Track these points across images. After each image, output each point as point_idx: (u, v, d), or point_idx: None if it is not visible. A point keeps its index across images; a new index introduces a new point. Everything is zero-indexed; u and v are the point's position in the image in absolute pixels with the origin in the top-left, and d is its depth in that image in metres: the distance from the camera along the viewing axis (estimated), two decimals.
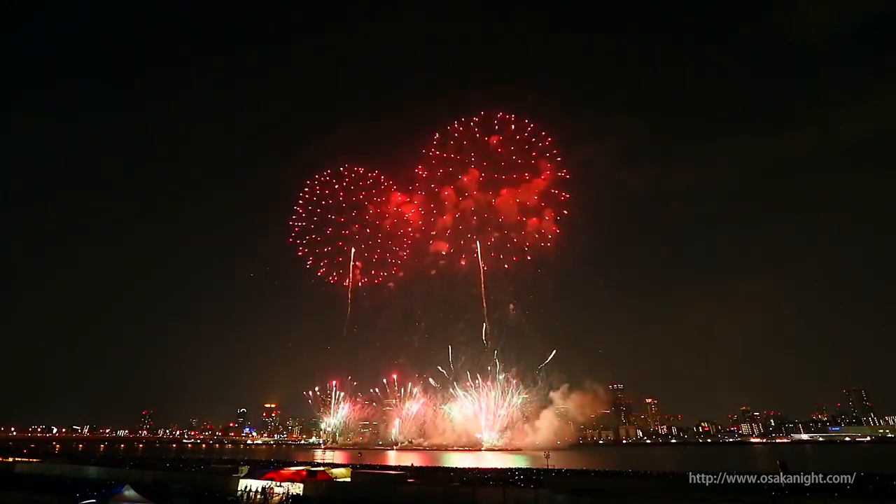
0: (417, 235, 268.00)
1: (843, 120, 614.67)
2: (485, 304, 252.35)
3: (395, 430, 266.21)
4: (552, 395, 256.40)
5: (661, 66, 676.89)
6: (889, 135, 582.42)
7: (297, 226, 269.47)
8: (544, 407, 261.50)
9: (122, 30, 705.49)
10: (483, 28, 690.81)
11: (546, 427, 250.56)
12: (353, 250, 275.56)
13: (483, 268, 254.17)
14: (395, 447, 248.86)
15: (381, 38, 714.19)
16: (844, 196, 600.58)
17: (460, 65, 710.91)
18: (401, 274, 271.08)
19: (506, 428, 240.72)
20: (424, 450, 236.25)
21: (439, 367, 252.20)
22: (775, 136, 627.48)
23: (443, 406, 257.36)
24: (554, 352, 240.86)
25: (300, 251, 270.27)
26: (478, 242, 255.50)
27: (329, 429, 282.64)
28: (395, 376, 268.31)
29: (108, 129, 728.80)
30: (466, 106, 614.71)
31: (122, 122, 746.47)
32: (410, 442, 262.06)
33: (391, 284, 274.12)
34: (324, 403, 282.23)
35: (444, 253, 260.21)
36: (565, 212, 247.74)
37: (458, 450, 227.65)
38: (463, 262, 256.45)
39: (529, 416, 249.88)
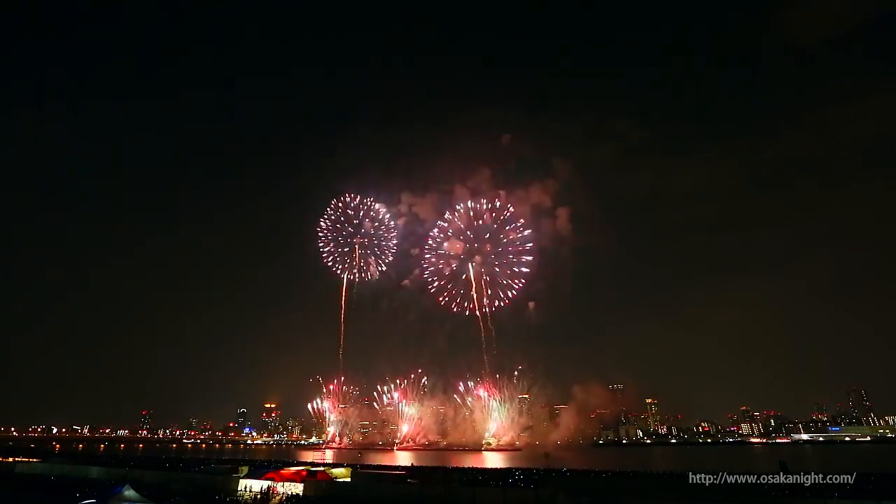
0: (437, 235, 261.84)
1: (843, 121, 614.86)
2: (502, 305, 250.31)
3: (405, 429, 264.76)
4: (574, 388, 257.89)
5: (661, 68, 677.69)
6: (890, 135, 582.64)
7: (318, 229, 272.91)
8: (564, 404, 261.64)
9: (129, 50, 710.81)
10: (483, 32, 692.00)
11: (566, 424, 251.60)
12: (356, 248, 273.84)
13: (497, 268, 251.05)
14: (395, 447, 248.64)
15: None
16: (845, 196, 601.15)
17: (457, 73, 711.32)
18: (416, 272, 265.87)
19: (527, 426, 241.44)
20: (425, 449, 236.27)
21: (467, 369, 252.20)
22: (776, 137, 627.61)
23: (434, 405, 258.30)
24: (519, 366, 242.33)
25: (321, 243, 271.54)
26: (489, 246, 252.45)
27: (330, 428, 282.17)
28: (412, 373, 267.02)
29: (118, 145, 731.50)
30: (468, 108, 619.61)
31: (133, 139, 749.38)
32: (426, 441, 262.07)
33: (406, 282, 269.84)
34: (322, 406, 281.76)
35: (458, 255, 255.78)
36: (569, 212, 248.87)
37: (458, 449, 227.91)
38: (478, 260, 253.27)
39: (545, 416, 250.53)
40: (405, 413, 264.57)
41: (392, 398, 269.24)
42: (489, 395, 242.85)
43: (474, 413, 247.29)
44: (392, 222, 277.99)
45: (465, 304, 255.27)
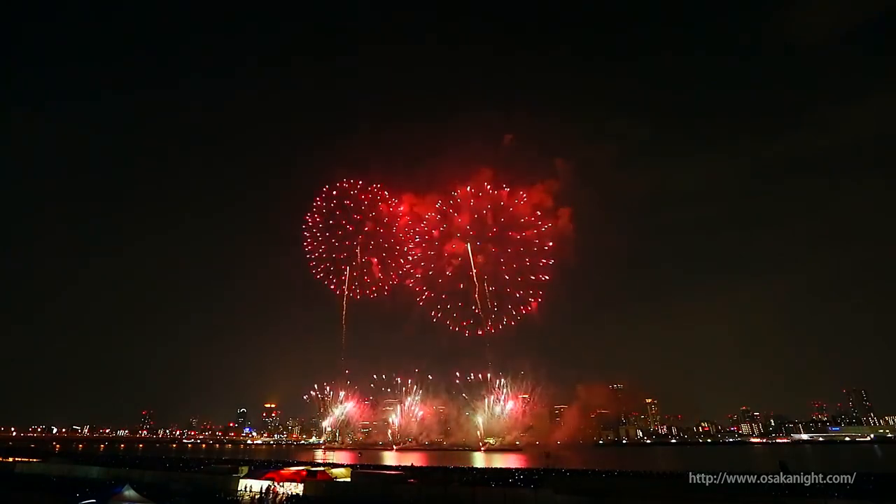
0: (435, 233, 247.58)
1: (843, 121, 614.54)
2: (508, 306, 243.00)
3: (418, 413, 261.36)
4: (578, 388, 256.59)
5: (660, 68, 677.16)
6: (890, 135, 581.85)
7: (310, 230, 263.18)
8: (565, 403, 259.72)
9: (126, 44, 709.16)
10: (481, 32, 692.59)
11: (567, 424, 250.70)
12: (358, 247, 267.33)
13: (503, 268, 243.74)
14: (394, 447, 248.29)
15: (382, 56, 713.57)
16: (845, 196, 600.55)
17: (459, 73, 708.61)
18: (418, 273, 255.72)
19: (528, 426, 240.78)
20: (426, 449, 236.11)
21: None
22: (775, 138, 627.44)
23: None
24: (523, 371, 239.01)
25: (309, 247, 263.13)
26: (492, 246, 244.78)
27: (329, 428, 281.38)
28: (416, 371, 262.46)
29: (114, 142, 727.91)
30: (469, 108, 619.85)
31: (129, 136, 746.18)
32: (426, 441, 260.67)
33: (410, 282, 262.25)
34: (323, 404, 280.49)
35: (458, 257, 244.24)
36: (565, 212, 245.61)
37: (459, 449, 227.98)
38: (480, 260, 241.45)
39: (546, 415, 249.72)
40: (415, 390, 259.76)
41: (392, 392, 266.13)
42: (492, 379, 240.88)
43: (477, 413, 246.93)
44: (409, 220, 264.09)
45: (465, 322, 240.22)
